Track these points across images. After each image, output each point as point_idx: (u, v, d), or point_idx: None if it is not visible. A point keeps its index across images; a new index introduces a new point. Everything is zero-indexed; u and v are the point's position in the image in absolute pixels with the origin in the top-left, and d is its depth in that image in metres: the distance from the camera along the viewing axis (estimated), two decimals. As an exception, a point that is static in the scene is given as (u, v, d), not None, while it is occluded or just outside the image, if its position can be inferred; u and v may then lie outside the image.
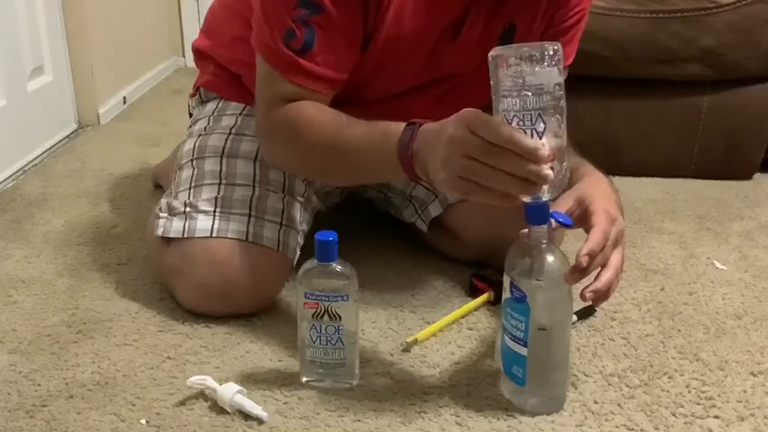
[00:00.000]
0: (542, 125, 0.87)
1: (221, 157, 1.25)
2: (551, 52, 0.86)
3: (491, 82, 0.88)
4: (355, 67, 1.13)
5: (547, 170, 0.86)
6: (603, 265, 0.94)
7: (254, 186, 1.22)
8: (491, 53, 0.88)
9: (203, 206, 1.20)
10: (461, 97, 0.99)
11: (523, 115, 0.87)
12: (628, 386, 1.04)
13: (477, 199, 0.91)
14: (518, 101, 0.87)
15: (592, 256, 0.91)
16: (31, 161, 1.93)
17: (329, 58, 1.09)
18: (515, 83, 0.86)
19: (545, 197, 0.90)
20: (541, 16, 1.18)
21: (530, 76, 0.86)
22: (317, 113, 1.09)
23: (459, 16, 1.14)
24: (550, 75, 0.86)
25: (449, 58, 1.18)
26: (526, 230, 0.93)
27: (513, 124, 0.87)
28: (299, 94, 1.10)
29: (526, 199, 0.90)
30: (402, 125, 0.99)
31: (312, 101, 1.10)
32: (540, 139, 0.87)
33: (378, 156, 1.02)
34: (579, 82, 1.36)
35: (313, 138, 1.08)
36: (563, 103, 0.88)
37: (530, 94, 0.86)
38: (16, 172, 1.85)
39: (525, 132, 0.87)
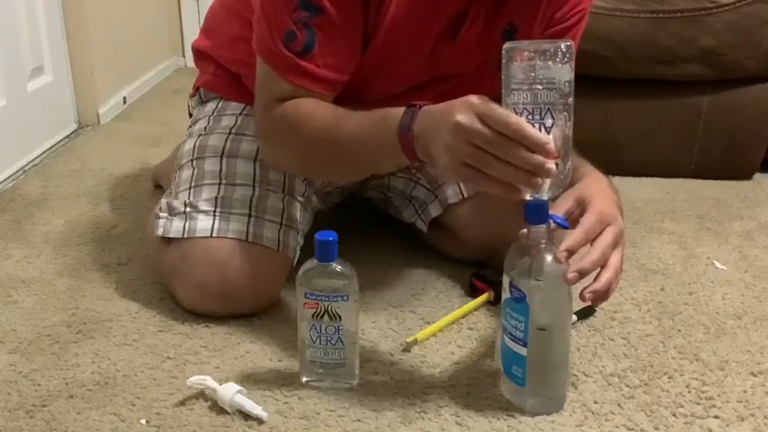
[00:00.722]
0: (551, 120, 0.87)
1: (221, 156, 1.25)
2: (564, 49, 0.87)
3: (502, 75, 0.89)
4: (356, 66, 1.13)
5: (551, 164, 0.86)
6: (603, 266, 0.94)
7: (254, 186, 1.22)
8: (505, 46, 0.89)
9: (203, 206, 1.20)
10: (462, 97, 0.99)
11: (533, 109, 0.87)
12: (628, 386, 1.04)
13: (479, 187, 0.91)
14: (528, 94, 0.87)
15: (570, 252, 0.92)
16: (31, 161, 1.93)
17: (330, 60, 1.09)
18: (527, 76, 0.87)
19: (545, 196, 0.90)
20: (541, 16, 1.18)
21: (542, 69, 0.87)
22: (314, 108, 1.09)
23: (459, 16, 1.14)
24: (562, 71, 0.87)
25: (449, 58, 1.18)
26: (525, 230, 0.93)
27: (522, 118, 0.87)
28: (299, 95, 1.10)
29: (527, 196, 0.90)
30: (401, 109, 0.98)
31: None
32: (548, 134, 0.87)
33: (378, 141, 1.01)
34: (579, 82, 1.36)
35: (312, 131, 1.08)
36: (571, 101, 0.88)
37: (540, 88, 0.87)
38: (16, 172, 1.85)
39: (534, 126, 0.87)
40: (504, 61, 0.89)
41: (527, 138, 0.85)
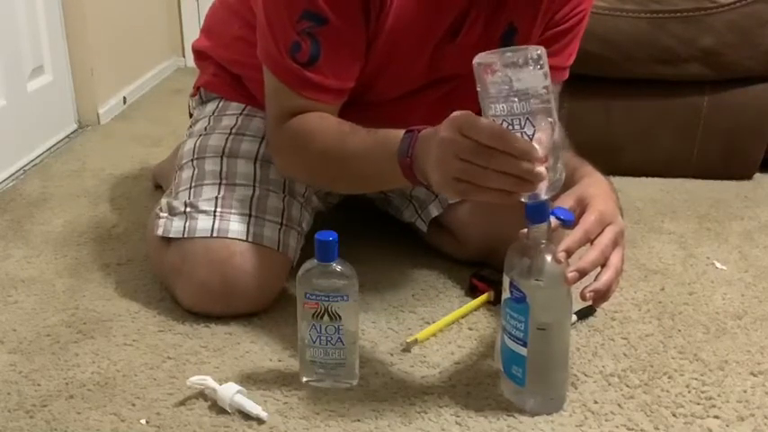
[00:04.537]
0: (532, 128, 0.87)
1: (222, 157, 1.26)
2: (535, 56, 0.86)
3: (477, 88, 0.88)
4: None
5: (540, 168, 0.86)
6: (603, 266, 0.94)
7: (254, 186, 1.22)
8: (475, 60, 0.88)
9: (204, 206, 1.20)
10: (463, 98, 0.99)
11: (512, 119, 0.87)
12: (628, 386, 1.04)
13: (475, 198, 0.91)
14: (505, 106, 0.87)
15: (569, 251, 0.92)
16: (31, 161, 1.93)
17: (335, 69, 1.10)
18: (501, 89, 0.86)
19: (543, 197, 0.90)
20: (542, 17, 1.18)
21: (515, 81, 0.86)
22: (320, 124, 1.10)
23: (459, 18, 1.14)
24: (536, 79, 0.86)
25: (449, 60, 1.18)
26: (525, 230, 0.93)
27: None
28: (308, 107, 1.11)
29: (524, 198, 0.90)
30: (401, 132, 0.99)
31: (319, 112, 1.11)
32: (531, 140, 0.87)
33: (380, 163, 1.02)
34: (579, 82, 1.36)
35: (317, 149, 1.09)
36: (553, 105, 0.88)
37: (516, 99, 0.86)
38: (16, 172, 1.85)
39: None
40: (476, 75, 0.88)
41: (509, 146, 0.85)
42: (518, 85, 0.86)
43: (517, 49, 0.88)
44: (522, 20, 1.17)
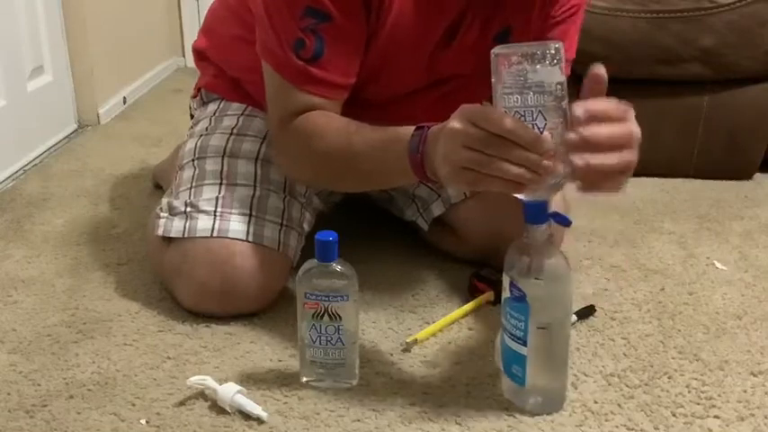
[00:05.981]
0: (543, 122, 0.87)
1: (222, 157, 1.26)
2: (553, 51, 0.87)
3: (492, 79, 0.89)
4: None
5: (547, 161, 0.86)
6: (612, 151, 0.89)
7: (255, 186, 1.22)
8: (493, 50, 0.89)
9: (204, 206, 1.20)
10: (461, 98, 0.99)
11: (524, 111, 0.87)
12: (628, 386, 1.04)
13: (483, 188, 0.90)
14: (519, 98, 0.87)
15: (588, 111, 0.87)
16: (31, 161, 1.93)
17: (338, 64, 1.10)
18: (516, 81, 0.87)
19: (543, 197, 0.90)
20: (536, 17, 1.18)
21: (531, 73, 0.86)
22: (326, 123, 1.10)
23: (456, 20, 1.14)
24: (552, 73, 0.87)
25: (445, 62, 1.18)
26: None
27: None
28: (312, 104, 1.10)
29: (524, 197, 0.90)
30: (410, 129, 0.99)
31: (323, 109, 1.11)
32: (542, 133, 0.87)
33: (389, 161, 1.02)
34: (580, 82, 1.35)
35: (324, 149, 1.09)
36: (565, 103, 0.88)
37: (530, 92, 0.87)
38: (16, 172, 1.85)
39: None
40: (492, 66, 0.88)
41: (521, 137, 0.85)
42: (534, 78, 0.87)
43: (535, 42, 0.89)
44: (517, 21, 1.17)
